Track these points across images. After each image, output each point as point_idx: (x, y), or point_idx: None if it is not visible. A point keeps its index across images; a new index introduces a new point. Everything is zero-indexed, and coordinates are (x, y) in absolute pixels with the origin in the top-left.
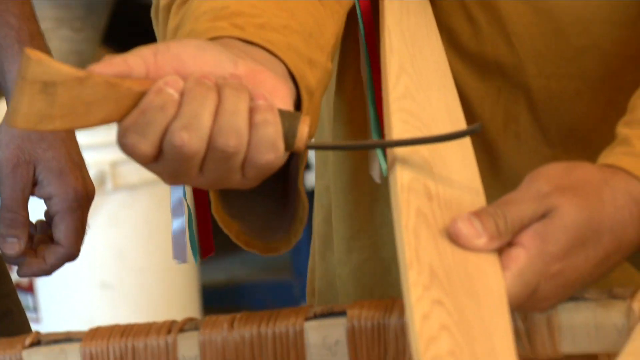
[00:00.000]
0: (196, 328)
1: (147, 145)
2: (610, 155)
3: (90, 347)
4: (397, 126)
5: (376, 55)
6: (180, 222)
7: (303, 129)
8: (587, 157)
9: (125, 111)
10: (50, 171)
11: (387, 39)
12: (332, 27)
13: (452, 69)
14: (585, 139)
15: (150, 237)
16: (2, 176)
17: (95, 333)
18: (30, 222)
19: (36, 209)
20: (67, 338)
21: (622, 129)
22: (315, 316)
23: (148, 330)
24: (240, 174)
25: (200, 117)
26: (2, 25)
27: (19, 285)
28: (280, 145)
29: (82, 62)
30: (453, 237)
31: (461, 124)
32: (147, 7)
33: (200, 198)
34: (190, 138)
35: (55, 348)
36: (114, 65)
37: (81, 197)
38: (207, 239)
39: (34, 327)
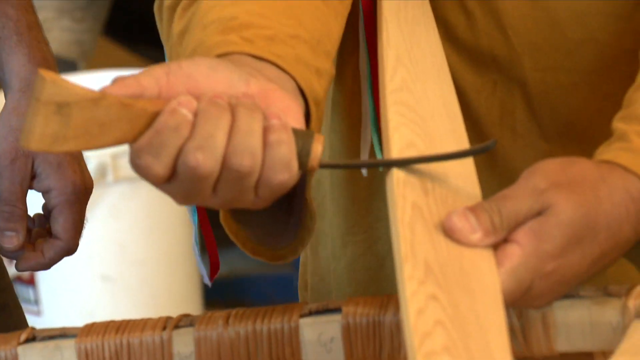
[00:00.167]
0: (191, 324)
1: (161, 166)
2: (608, 151)
3: (85, 343)
4: (394, 119)
5: (375, 48)
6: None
7: (317, 148)
8: (583, 151)
9: (139, 132)
10: (48, 164)
11: (385, 32)
12: (336, 30)
13: (448, 62)
14: (582, 132)
15: (151, 229)
16: (0, 169)
17: (91, 329)
18: (28, 216)
19: (34, 203)
20: (62, 334)
21: (618, 125)
22: (311, 313)
23: (143, 327)
24: (253, 194)
25: (215, 137)
26: (0, 16)
27: (19, 278)
28: (294, 164)
29: (83, 52)
30: (448, 232)
31: (457, 118)
32: None
33: (204, 215)
34: (205, 158)
35: (51, 344)
36: (126, 85)
37: (79, 191)
38: (214, 255)
39: (35, 320)
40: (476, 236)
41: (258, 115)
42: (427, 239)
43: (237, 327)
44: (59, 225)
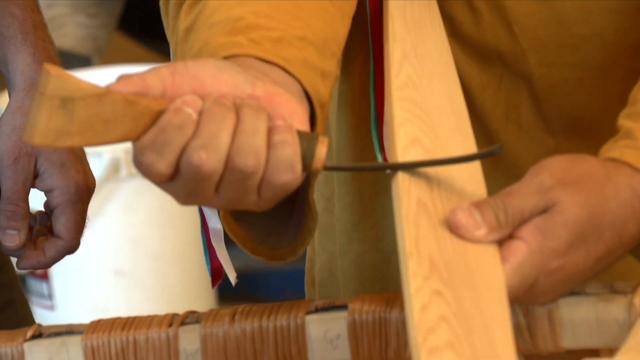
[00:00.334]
0: (197, 321)
1: (164, 164)
2: (613, 149)
3: (91, 340)
4: (399, 115)
5: (380, 47)
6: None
7: (321, 150)
8: (588, 146)
9: (143, 130)
10: (51, 164)
11: (391, 27)
12: (342, 31)
13: (454, 57)
14: (587, 128)
15: (165, 224)
16: (3, 168)
17: (97, 326)
18: (30, 213)
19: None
20: (68, 330)
21: (624, 122)
22: (317, 310)
23: (149, 324)
24: (256, 194)
25: (219, 137)
26: (5, 15)
27: (33, 273)
28: (298, 166)
29: (98, 48)
30: (452, 228)
31: (463, 114)
32: None
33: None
34: (209, 158)
35: (57, 340)
36: (132, 83)
37: (82, 191)
38: (215, 259)
39: (48, 314)
40: (480, 232)
41: (263, 115)
42: (432, 235)
43: (244, 324)
44: (61, 224)
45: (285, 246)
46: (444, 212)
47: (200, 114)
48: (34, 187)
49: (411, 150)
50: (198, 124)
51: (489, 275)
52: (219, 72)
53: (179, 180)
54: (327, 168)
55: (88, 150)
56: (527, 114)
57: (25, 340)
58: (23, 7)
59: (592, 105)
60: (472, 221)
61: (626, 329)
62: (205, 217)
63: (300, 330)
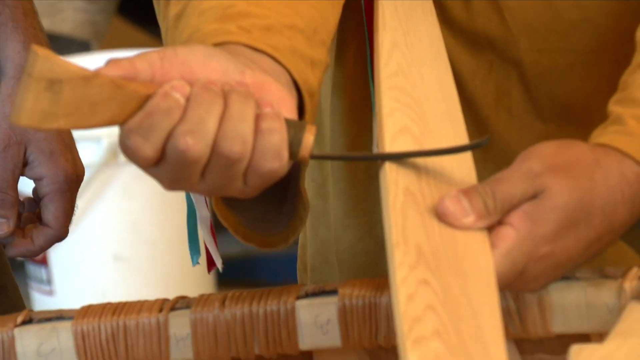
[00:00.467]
0: (188, 306)
1: (149, 148)
2: (603, 135)
3: (81, 325)
4: (388, 104)
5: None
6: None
7: (308, 138)
8: (579, 132)
9: (130, 113)
10: (41, 152)
11: (381, 15)
12: (333, 19)
13: (444, 44)
14: (578, 114)
15: (164, 209)
16: None
17: (87, 311)
18: (18, 200)
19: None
20: (58, 316)
21: (614, 107)
22: (307, 295)
23: (139, 309)
24: (242, 181)
25: (206, 122)
26: None
27: (32, 258)
28: (285, 153)
29: (96, 32)
30: (440, 215)
31: (454, 100)
32: None
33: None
34: (195, 143)
35: (47, 326)
36: (120, 67)
37: (71, 179)
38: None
39: (47, 299)
40: (469, 219)
41: (251, 102)
42: (420, 223)
43: (234, 309)
44: (50, 213)
45: (277, 234)
46: (432, 200)
47: (188, 99)
48: (23, 175)
49: (400, 139)
50: (185, 109)
51: (478, 262)
52: (209, 59)
53: (164, 165)
54: (314, 157)
55: (87, 135)
56: (517, 99)
57: (16, 326)
58: None
59: (582, 91)
60: (460, 208)
61: (616, 313)
62: (194, 203)
63: (291, 315)
